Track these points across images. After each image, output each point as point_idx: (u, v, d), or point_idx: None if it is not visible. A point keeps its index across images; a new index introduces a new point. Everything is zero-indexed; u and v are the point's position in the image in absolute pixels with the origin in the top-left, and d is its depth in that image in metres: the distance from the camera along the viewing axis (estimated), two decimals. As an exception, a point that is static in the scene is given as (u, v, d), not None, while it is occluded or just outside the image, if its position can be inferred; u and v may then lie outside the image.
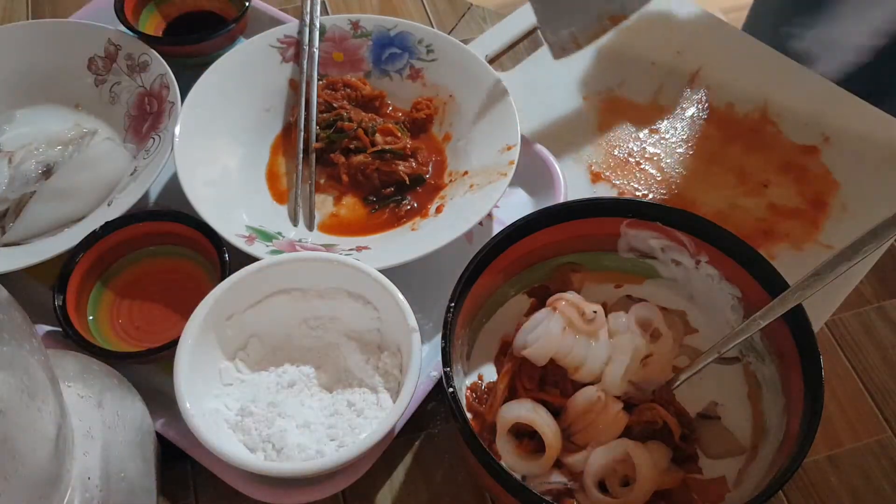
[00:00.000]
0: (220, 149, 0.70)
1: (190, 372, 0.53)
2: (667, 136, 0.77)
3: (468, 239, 0.67)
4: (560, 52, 0.73)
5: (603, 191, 0.73)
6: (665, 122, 0.78)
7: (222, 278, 0.57)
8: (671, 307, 0.61)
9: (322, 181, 0.71)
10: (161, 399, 0.57)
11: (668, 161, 0.75)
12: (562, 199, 0.68)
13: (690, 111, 0.79)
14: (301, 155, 0.70)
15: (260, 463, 0.50)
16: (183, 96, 0.69)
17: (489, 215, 0.66)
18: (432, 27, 0.81)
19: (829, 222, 0.71)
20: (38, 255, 0.61)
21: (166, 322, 0.62)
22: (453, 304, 0.53)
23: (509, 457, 0.53)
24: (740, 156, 0.76)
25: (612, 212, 0.59)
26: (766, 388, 0.57)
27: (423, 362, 0.54)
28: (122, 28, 0.74)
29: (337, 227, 0.69)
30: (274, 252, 0.61)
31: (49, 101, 0.74)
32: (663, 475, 0.52)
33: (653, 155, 0.76)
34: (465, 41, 0.80)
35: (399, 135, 0.71)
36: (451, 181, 0.70)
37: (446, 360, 0.51)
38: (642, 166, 0.75)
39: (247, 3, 0.77)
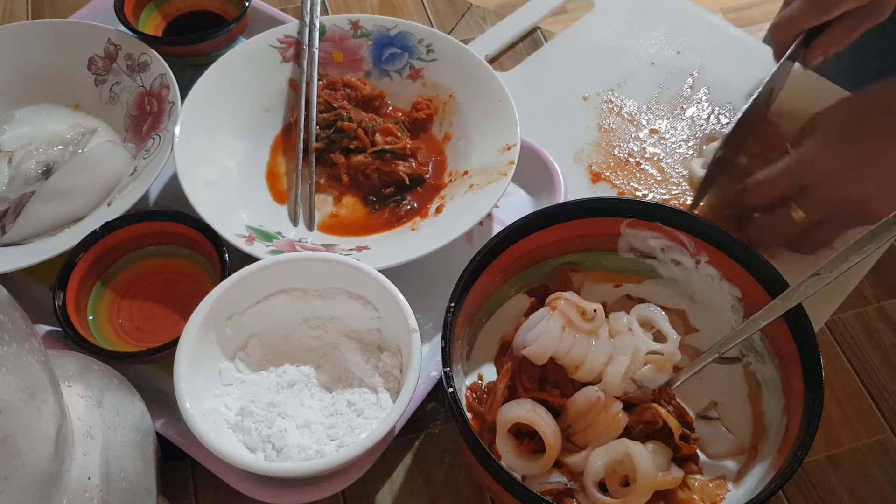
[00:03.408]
0: (220, 149, 0.70)
1: (190, 372, 0.53)
2: (667, 137, 0.77)
3: (468, 239, 0.67)
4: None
5: (603, 191, 0.73)
6: (665, 121, 0.78)
7: (222, 278, 0.57)
8: (671, 307, 0.61)
9: (322, 181, 0.71)
10: (161, 399, 0.57)
11: (668, 161, 0.75)
12: (562, 199, 0.68)
13: (690, 111, 0.79)
14: (301, 155, 0.70)
15: (260, 463, 0.50)
16: (183, 96, 0.69)
17: (489, 215, 0.66)
18: (432, 27, 0.81)
19: (829, 222, 0.70)
20: (38, 255, 0.61)
21: (166, 322, 0.62)
22: (453, 304, 0.53)
23: (509, 457, 0.53)
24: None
25: (612, 212, 0.59)
26: (766, 388, 0.57)
27: (423, 362, 0.54)
28: (122, 28, 0.74)
29: (337, 227, 0.69)
30: (274, 252, 0.61)
31: (49, 101, 0.74)
32: (663, 475, 0.52)
33: (653, 155, 0.76)
34: (465, 41, 0.80)
35: (399, 135, 0.71)
36: (451, 181, 0.70)
37: (446, 360, 0.51)
38: (642, 166, 0.75)
39: (247, 3, 0.77)
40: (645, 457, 0.51)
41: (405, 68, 0.76)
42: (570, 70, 0.82)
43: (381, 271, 0.57)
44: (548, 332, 0.53)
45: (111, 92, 0.74)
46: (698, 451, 0.55)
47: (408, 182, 0.70)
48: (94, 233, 0.61)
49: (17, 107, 0.74)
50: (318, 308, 0.58)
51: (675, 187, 0.73)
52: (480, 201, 0.64)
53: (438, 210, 0.68)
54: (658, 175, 0.74)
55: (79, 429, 0.46)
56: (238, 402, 0.55)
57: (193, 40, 0.75)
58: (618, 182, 0.74)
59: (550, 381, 0.55)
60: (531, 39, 0.87)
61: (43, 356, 0.41)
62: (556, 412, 0.54)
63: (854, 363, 0.66)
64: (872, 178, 0.62)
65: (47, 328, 0.60)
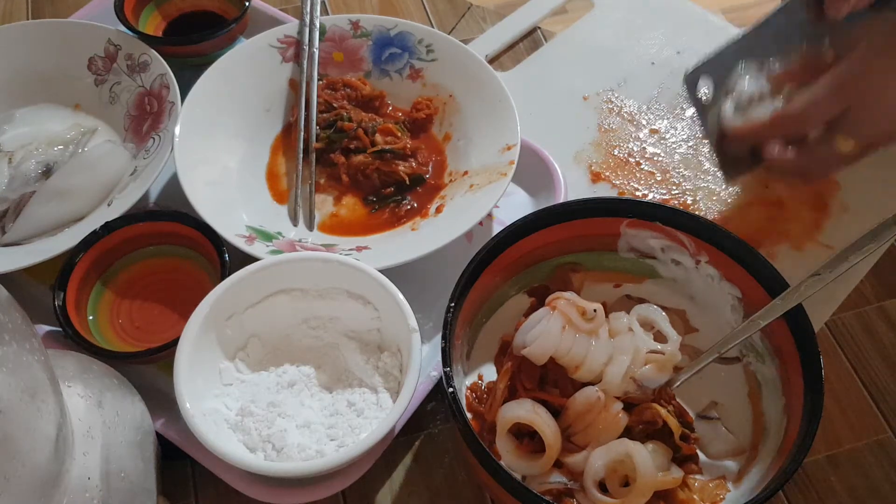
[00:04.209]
0: (220, 149, 0.70)
1: (190, 372, 0.53)
2: (667, 137, 0.77)
3: (468, 239, 0.67)
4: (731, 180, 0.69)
5: (603, 191, 0.73)
6: (665, 121, 0.78)
7: (222, 278, 0.57)
8: (671, 307, 0.61)
9: (322, 181, 0.71)
10: (161, 399, 0.57)
11: (668, 161, 0.75)
12: (562, 199, 0.68)
13: (690, 111, 0.79)
14: (301, 155, 0.70)
15: (260, 463, 0.50)
16: (183, 96, 0.69)
17: (489, 215, 0.66)
18: (432, 27, 0.81)
19: (830, 222, 0.71)
20: (38, 255, 0.61)
21: (166, 322, 0.62)
22: (453, 304, 0.53)
23: (509, 457, 0.53)
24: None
25: (612, 212, 0.59)
26: (766, 388, 0.57)
27: (423, 362, 0.54)
28: (122, 28, 0.74)
29: (337, 227, 0.69)
30: (274, 252, 0.61)
31: (49, 101, 0.75)
32: (663, 475, 0.52)
33: (653, 155, 0.76)
34: (465, 41, 0.80)
35: (399, 135, 0.71)
36: (451, 181, 0.70)
37: (446, 360, 0.51)
38: (642, 166, 0.75)
39: (247, 3, 0.77)
40: (645, 457, 0.51)
41: (405, 68, 0.76)
42: (570, 70, 0.82)
43: (381, 271, 0.57)
44: (548, 331, 0.53)
45: (111, 92, 0.74)
46: (698, 451, 0.55)
47: (408, 182, 0.70)
48: (94, 233, 0.61)
49: (17, 107, 0.74)
50: (318, 308, 0.58)
51: (675, 187, 0.73)
52: (480, 201, 0.64)
53: (438, 210, 0.68)
54: (658, 175, 0.74)
55: (79, 429, 0.46)
56: (238, 402, 0.55)
57: (193, 40, 0.75)
58: (618, 182, 0.74)
59: (550, 381, 0.55)
60: (531, 39, 0.87)
61: (43, 356, 0.41)
62: (556, 412, 0.54)
63: (854, 363, 0.66)
64: None
65: (47, 328, 0.60)
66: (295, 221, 0.68)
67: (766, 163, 0.62)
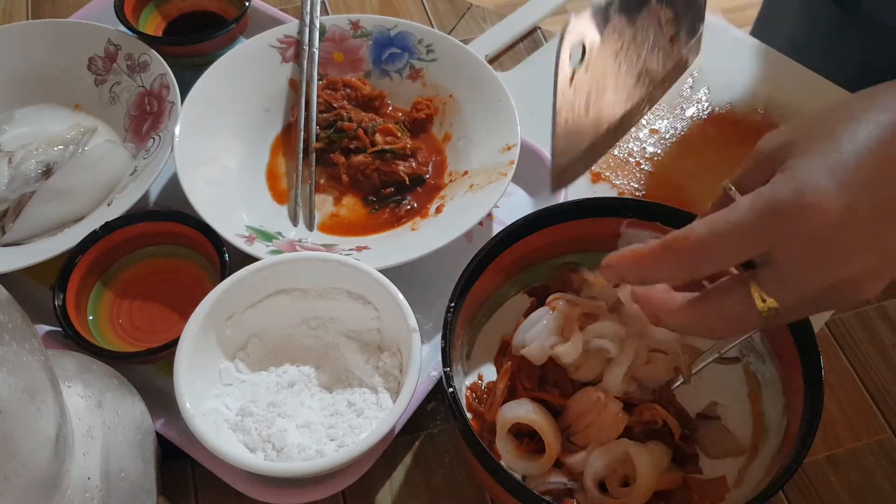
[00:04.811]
0: (220, 149, 0.70)
1: (190, 372, 0.53)
2: (667, 137, 0.77)
3: (468, 239, 0.67)
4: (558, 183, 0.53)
5: (603, 191, 0.73)
6: (665, 122, 0.78)
7: (222, 278, 0.57)
8: (671, 307, 0.61)
9: (322, 181, 0.71)
10: (161, 399, 0.57)
11: (668, 161, 0.75)
12: (562, 199, 0.68)
13: (690, 111, 0.79)
14: (301, 155, 0.70)
15: (260, 463, 0.50)
16: (183, 96, 0.69)
17: (489, 215, 0.66)
18: (432, 27, 0.81)
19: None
20: (38, 255, 0.61)
21: (166, 322, 0.62)
22: (453, 304, 0.53)
23: (509, 457, 0.53)
24: (740, 156, 0.75)
25: (612, 212, 0.59)
26: (766, 388, 0.57)
27: (423, 362, 0.54)
28: (122, 28, 0.74)
29: (337, 227, 0.69)
30: (274, 252, 0.61)
31: (49, 101, 0.75)
32: (663, 475, 0.52)
33: (653, 155, 0.76)
34: (465, 41, 0.80)
35: (399, 135, 0.71)
36: (451, 181, 0.70)
37: (446, 360, 0.51)
38: (642, 166, 0.75)
39: (247, 3, 0.77)
40: (645, 457, 0.51)
41: (405, 68, 0.76)
42: (570, 70, 0.82)
43: (381, 271, 0.57)
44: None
45: (111, 92, 0.74)
46: (698, 451, 0.55)
47: (408, 182, 0.70)
48: (94, 233, 0.61)
49: (17, 107, 0.74)
50: (318, 308, 0.58)
51: (675, 188, 0.73)
52: (480, 201, 0.64)
53: (438, 210, 0.68)
54: (658, 175, 0.74)
55: (79, 429, 0.46)
56: (238, 402, 0.55)
57: (193, 40, 0.75)
58: (618, 182, 0.74)
59: (550, 381, 0.55)
60: (531, 39, 0.87)
61: (43, 356, 0.41)
62: (556, 412, 0.54)
63: (854, 363, 0.66)
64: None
65: (47, 328, 0.60)
66: (295, 221, 0.68)
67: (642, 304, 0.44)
